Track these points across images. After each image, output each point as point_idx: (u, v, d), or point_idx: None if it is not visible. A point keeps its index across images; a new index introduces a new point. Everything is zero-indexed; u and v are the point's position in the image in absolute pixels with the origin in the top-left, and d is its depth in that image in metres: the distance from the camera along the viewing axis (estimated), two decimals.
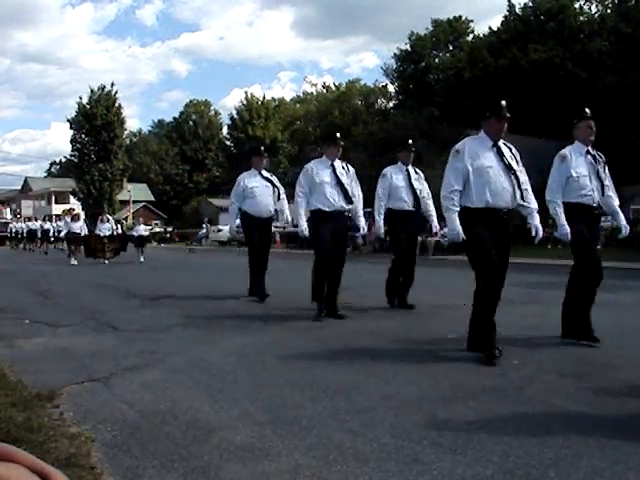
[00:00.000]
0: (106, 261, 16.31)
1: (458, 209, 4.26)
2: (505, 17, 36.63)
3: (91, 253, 16.76)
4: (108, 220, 17.73)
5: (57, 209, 43.12)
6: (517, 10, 35.81)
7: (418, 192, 6.75)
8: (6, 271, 13.94)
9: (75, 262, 16.16)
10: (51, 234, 24.78)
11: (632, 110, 27.15)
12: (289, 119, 57.44)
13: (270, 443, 2.64)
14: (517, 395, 3.34)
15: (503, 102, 4.30)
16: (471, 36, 42.27)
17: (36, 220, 30.11)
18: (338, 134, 6.55)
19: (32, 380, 3.62)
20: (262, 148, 8.57)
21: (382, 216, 6.71)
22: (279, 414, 3.05)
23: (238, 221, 7.98)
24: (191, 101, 64.45)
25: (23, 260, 20.14)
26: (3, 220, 39.86)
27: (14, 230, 31.19)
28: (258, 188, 7.78)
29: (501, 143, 4.36)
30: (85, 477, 2.25)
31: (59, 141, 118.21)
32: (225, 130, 62.32)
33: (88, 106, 41.03)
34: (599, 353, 4.39)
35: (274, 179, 8.06)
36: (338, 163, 6.28)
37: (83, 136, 41.68)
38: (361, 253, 20.56)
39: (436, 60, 42.96)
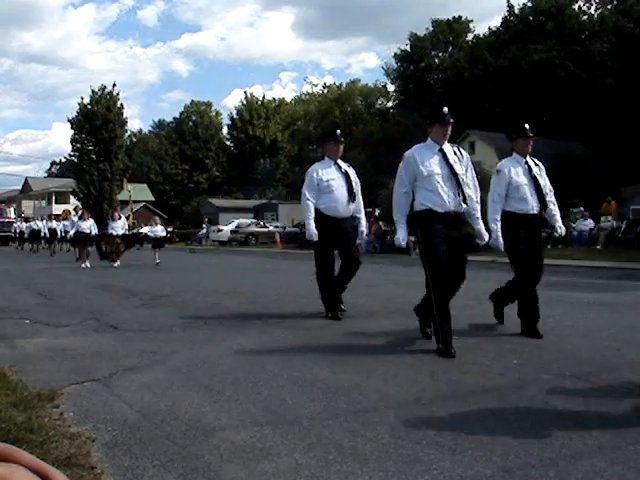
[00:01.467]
0: (116, 264, 15.00)
1: None
2: (504, 17, 36.71)
3: (105, 256, 15.26)
4: (120, 217, 16.09)
5: (57, 209, 43.05)
6: (516, 10, 35.90)
7: (543, 190, 5.27)
8: (7, 271, 13.94)
9: (87, 265, 14.73)
10: (58, 234, 23.18)
11: (632, 110, 27.17)
12: (289, 119, 57.47)
13: (270, 443, 2.64)
14: (517, 395, 3.34)
15: None
16: (471, 36, 42.32)
17: (41, 219, 28.39)
18: (446, 108, 4.80)
19: (32, 380, 3.63)
20: (338, 132, 6.61)
21: (499, 223, 5.17)
22: (279, 414, 3.05)
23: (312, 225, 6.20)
24: (192, 102, 64.54)
25: (25, 260, 20.13)
26: (7, 220, 39.32)
27: (18, 230, 30.14)
28: (335, 181, 6.25)
29: None
30: (85, 477, 2.26)
31: (60, 141, 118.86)
32: (225, 130, 62.44)
33: (89, 106, 41.00)
34: (599, 353, 4.39)
35: (351, 171, 6.43)
36: (448, 147, 4.81)
37: (83, 136, 41.66)
38: None
39: (436, 60, 43.00)
